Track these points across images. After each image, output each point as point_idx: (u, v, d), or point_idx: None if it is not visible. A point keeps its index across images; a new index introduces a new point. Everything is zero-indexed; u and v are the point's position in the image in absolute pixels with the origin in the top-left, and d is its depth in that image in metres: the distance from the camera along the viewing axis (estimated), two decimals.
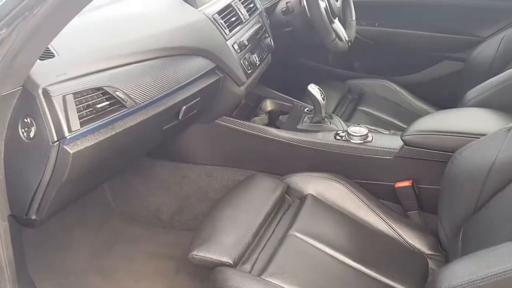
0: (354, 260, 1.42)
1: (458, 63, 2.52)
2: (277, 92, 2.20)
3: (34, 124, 1.12)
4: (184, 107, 1.57)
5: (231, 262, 1.34)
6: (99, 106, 1.20)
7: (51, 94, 1.09)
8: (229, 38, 1.77)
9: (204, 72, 1.63)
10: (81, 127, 1.15)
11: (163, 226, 2.06)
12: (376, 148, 1.72)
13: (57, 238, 1.90)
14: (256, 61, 1.93)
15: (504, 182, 1.26)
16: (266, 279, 1.30)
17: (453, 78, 2.54)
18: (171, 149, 2.02)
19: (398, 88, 2.51)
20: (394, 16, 2.68)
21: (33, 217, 1.28)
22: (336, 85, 2.53)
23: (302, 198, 1.66)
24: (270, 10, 2.27)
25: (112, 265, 1.84)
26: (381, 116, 2.33)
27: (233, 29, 1.83)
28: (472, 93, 1.83)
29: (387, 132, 1.91)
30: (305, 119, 1.93)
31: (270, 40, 2.14)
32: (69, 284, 1.74)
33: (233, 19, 1.86)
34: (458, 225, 1.38)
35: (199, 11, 1.72)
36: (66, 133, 1.12)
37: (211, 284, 1.33)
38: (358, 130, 1.77)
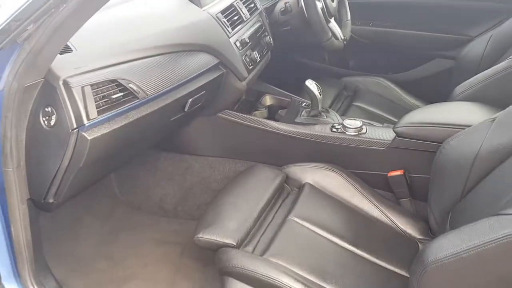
0: (350, 243, 1.49)
1: (449, 61, 2.60)
2: (276, 88, 2.27)
3: (55, 113, 1.21)
4: (190, 100, 1.65)
5: (235, 244, 1.42)
6: (114, 97, 1.29)
7: (71, 85, 1.18)
8: (231, 36, 1.86)
9: (208, 67, 1.71)
10: (98, 115, 1.24)
11: (167, 215, 2.13)
12: (370, 140, 1.78)
13: (67, 227, 1.97)
14: (257, 57, 2.01)
15: (488, 169, 1.33)
16: (267, 259, 1.37)
17: (444, 75, 2.61)
18: (175, 141, 2.08)
19: (391, 85, 2.57)
20: (387, 16, 2.76)
21: (51, 200, 1.36)
22: (332, 82, 2.59)
23: (300, 186, 1.73)
24: (269, 10, 2.35)
25: (119, 251, 1.91)
26: (375, 111, 2.39)
27: (235, 28, 1.91)
28: (460, 88, 1.89)
29: (380, 125, 1.98)
30: (303, 113, 2.00)
31: (270, 38, 2.21)
32: (80, 269, 1.81)
33: (235, 18, 1.95)
34: (446, 211, 1.44)
35: (204, 10, 1.81)
36: (85, 121, 1.21)
37: (216, 264, 1.41)
38: (353, 123, 1.84)
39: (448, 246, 1.02)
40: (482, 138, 1.39)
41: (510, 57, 1.80)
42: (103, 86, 1.27)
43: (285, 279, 1.28)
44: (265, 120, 1.95)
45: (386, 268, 1.45)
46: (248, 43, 1.95)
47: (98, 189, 2.09)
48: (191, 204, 2.12)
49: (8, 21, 1.03)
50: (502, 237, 0.93)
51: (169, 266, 1.84)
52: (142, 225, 2.06)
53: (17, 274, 1.42)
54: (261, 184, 1.68)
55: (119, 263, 1.85)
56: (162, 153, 2.15)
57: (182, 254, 1.90)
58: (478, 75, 1.87)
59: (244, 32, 1.97)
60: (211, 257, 1.73)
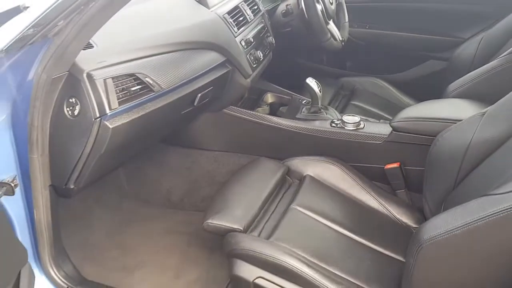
0: (349, 231, 1.57)
1: (442, 62, 2.68)
2: (277, 86, 2.36)
3: (79, 103, 1.29)
4: (199, 95, 1.74)
5: (241, 229, 1.51)
6: (132, 89, 1.38)
7: (94, 77, 1.28)
8: (237, 35, 1.95)
9: (216, 64, 1.80)
10: (119, 106, 1.34)
11: (173, 207, 2.20)
12: (368, 134, 1.86)
13: (79, 218, 2.05)
14: (260, 56, 2.09)
15: (479, 159, 1.41)
16: (273, 242, 1.45)
17: (437, 76, 2.69)
18: (182, 136, 2.16)
19: (387, 85, 2.65)
20: (383, 19, 2.84)
21: (71, 186, 1.44)
22: (330, 82, 2.66)
23: (301, 178, 1.81)
24: (271, 12, 2.44)
25: (130, 240, 1.98)
26: (371, 109, 2.47)
27: (240, 28, 2.01)
28: (453, 86, 1.98)
29: (377, 121, 2.07)
30: (303, 109, 2.08)
31: (272, 39, 2.30)
32: (92, 257, 1.88)
33: (241, 18, 2.04)
34: (440, 200, 1.51)
35: (212, 11, 1.90)
36: (107, 110, 1.31)
37: (224, 247, 1.49)
38: (351, 119, 1.92)
39: (442, 224, 1.09)
40: (473, 130, 1.47)
41: (499, 56, 1.90)
42: (122, 80, 1.36)
43: (290, 260, 1.35)
44: (268, 116, 2.03)
45: (383, 253, 1.53)
46: (252, 42, 2.04)
47: (107, 182, 2.17)
48: (196, 196, 2.19)
49: (40, 17, 1.12)
50: (491, 214, 1.01)
51: (177, 254, 1.91)
52: (150, 216, 2.13)
53: (37, 257, 1.49)
54: (265, 176, 1.77)
55: (130, 252, 1.93)
56: (169, 148, 2.22)
57: (189, 243, 1.97)
58: (470, 73, 1.95)
59: (249, 32, 2.07)
60: (217, 246, 1.81)
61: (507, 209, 1.00)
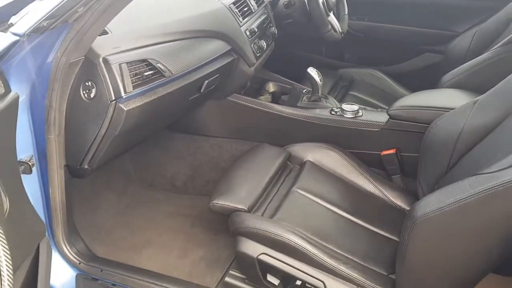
0: (347, 212, 1.65)
1: (437, 55, 2.75)
2: (278, 76, 2.43)
3: (95, 86, 1.37)
4: (206, 82, 1.80)
5: (246, 209, 1.58)
6: (145, 74, 1.46)
7: (110, 62, 1.35)
8: (242, 25, 2.02)
9: (222, 52, 1.87)
10: (133, 89, 1.41)
11: (177, 192, 2.27)
12: (366, 122, 1.93)
13: (88, 201, 2.12)
14: (264, 46, 2.17)
15: (470, 145, 1.49)
16: (276, 220, 1.54)
17: (432, 68, 2.76)
18: (187, 122, 2.23)
19: (384, 77, 2.71)
20: (381, 12, 2.91)
21: (86, 166, 1.52)
22: (329, 73, 2.72)
23: (302, 164, 1.88)
24: (274, 3, 2.50)
25: (136, 222, 2.06)
26: (369, 99, 2.54)
27: (245, 18, 2.08)
28: (448, 77, 2.06)
29: (375, 110, 2.14)
30: (304, 98, 2.14)
31: (274, 29, 2.38)
32: (100, 237, 1.96)
33: (245, 9, 2.12)
34: (433, 184, 1.58)
35: (218, 1, 1.98)
36: (123, 93, 1.38)
37: (230, 226, 1.57)
38: (350, 107, 1.98)
39: (434, 202, 1.17)
40: (466, 118, 1.54)
41: (492, 49, 1.97)
42: (136, 65, 1.44)
43: (292, 237, 1.43)
44: (270, 104, 2.10)
45: (378, 233, 1.61)
46: (256, 32, 2.11)
47: (114, 167, 2.25)
48: (200, 181, 2.26)
49: (61, 4, 1.19)
50: (480, 191, 1.08)
51: (182, 235, 1.99)
52: (155, 200, 2.21)
53: (51, 234, 1.57)
54: (267, 161, 1.84)
55: (136, 232, 2.00)
56: (174, 134, 2.29)
57: (193, 225, 2.05)
58: (464, 65, 2.03)
59: (253, 22, 2.14)
60: (221, 228, 1.90)
61: (494, 186, 1.07)
